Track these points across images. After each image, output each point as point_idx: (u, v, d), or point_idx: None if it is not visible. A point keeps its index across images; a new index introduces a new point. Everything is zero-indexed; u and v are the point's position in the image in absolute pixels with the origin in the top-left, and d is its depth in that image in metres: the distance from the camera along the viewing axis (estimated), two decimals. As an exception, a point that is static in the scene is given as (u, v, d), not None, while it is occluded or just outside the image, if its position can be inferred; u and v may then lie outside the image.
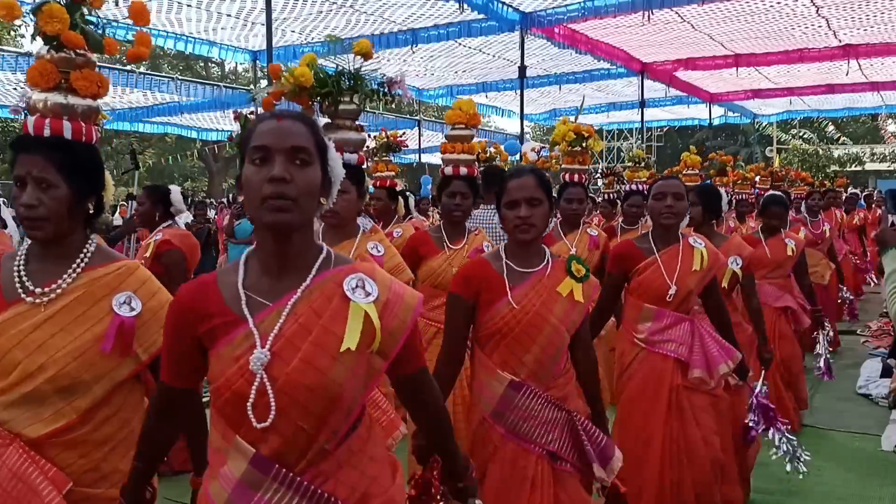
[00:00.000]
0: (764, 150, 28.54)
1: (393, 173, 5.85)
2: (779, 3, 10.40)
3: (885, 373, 6.45)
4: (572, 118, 5.13)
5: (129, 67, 11.41)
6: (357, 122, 3.10)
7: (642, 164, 7.16)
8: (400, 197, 6.18)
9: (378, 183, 5.71)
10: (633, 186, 6.40)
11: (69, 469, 1.77)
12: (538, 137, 27.44)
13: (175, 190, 4.24)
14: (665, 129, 26.09)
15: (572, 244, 4.64)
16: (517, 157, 8.05)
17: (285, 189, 1.44)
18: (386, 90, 3.13)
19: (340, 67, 3.00)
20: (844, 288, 7.90)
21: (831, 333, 6.11)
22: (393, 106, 3.64)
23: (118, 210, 13.47)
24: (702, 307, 3.44)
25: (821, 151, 26.58)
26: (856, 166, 27.56)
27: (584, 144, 4.84)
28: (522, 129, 12.97)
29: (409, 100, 3.31)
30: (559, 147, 4.95)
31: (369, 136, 6.36)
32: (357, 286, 1.52)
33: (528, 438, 2.46)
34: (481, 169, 5.18)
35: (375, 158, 5.94)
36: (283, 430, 1.47)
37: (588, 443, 2.48)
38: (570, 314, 2.49)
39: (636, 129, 21.30)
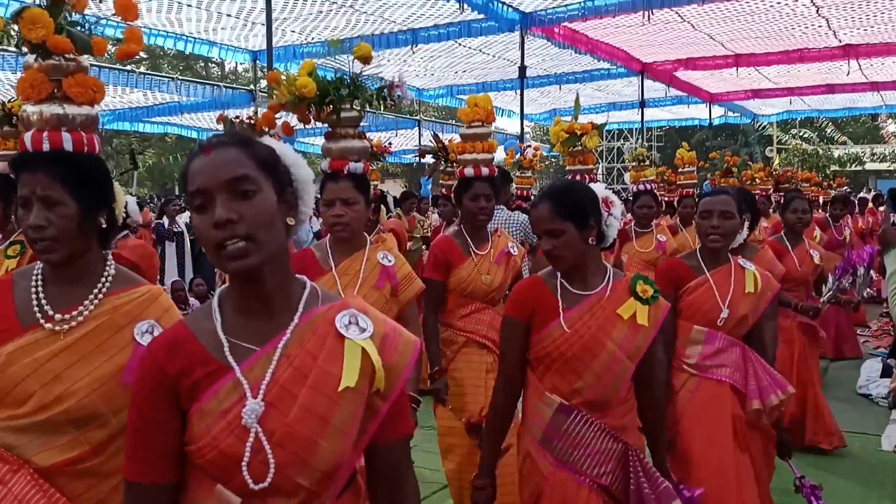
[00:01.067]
0: (764, 150, 28.52)
1: (376, 182, 5.71)
2: (779, 3, 10.40)
3: (885, 373, 6.46)
4: (568, 118, 5.03)
5: (128, 67, 11.40)
6: (359, 130, 3.01)
7: (647, 163, 6.83)
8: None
9: None
10: (641, 186, 6.17)
11: (78, 500, 1.67)
12: (538, 137, 27.44)
13: (131, 201, 4.19)
14: (665, 129, 26.11)
15: None
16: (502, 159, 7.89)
17: (235, 231, 1.26)
18: (386, 95, 3.04)
19: (340, 74, 2.93)
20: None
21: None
22: (392, 106, 3.45)
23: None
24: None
25: (821, 151, 26.57)
26: (856, 166, 27.54)
27: (578, 144, 4.73)
28: (522, 129, 12.98)
29: (409, 101, 3.22)
30: (556, 148, 4.85)
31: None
32: (350, 322, 1.37)
33: (578, 469, 2.26)
34: None
35: None
36: (282, 490, 1.30)
37: (647, 485, 2.23)
38: (633, 339, 2.27)
39: (636, 129, 21.31)
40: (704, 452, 2.91)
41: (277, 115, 3.07)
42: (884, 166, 27.60)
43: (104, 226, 1.80)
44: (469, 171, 3.62)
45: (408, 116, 19.25)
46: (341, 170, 2.83)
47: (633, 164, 6.89)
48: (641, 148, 7.29)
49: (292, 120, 3.22)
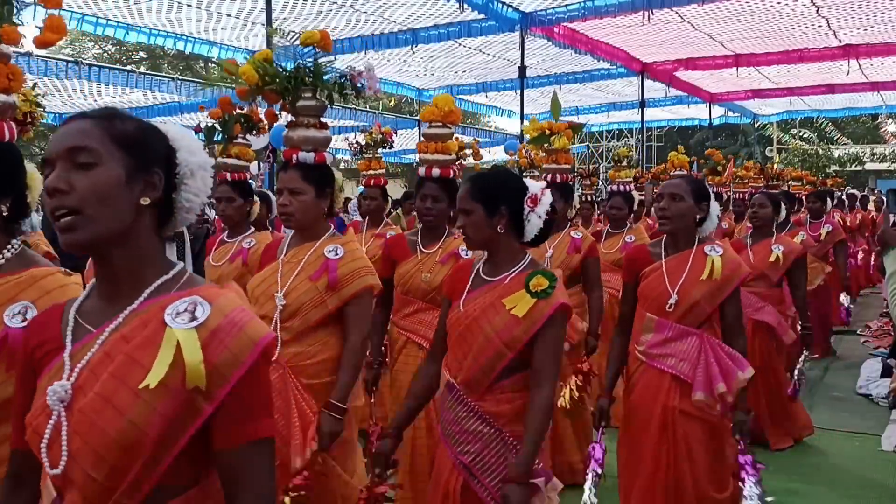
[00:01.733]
0: (764, 150, 28.53)
1: (383, 171, 5.63)
2: (779, 3, 10.39)
3: (885, 373, 6.45)
4: (569, 118, 4.98)
5: (128, 67, 11.41)
6: (321, 120, 2.95)
7: (624, 163, 6.64)
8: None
9: (373, 182, 5.43)
10: (614, 187, 6.07)
11: None
12: (538, 137, 27.36)
13: None
14: (665, 129, 26.11)
15: (550, 246, 4.43)
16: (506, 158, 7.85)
17: (63, 201, 1.21)
18: (350, 83, 2.94)
19: (298, 62, 2.86)
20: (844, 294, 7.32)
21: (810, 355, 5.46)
22: (357, 96, 3.32)
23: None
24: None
25: (821, 151, 26.58)
26: (856, 166, 27.57)
27: (548, 144, 4.64)
28: (522, 129, 12.97)
29: (373, 93, 3.14)
30: (528, 147, 4.79)
31: (360, 132, 6.16)
32: (186, 310, 1.26)
33: (449, 444, 2.42)
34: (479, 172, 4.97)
35: (367, 155, 5.59)
36: (75, 479, 1.23)
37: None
38: (511, 329, 2.31)
39: (636, 129, 21.30)
40: (633, 439, 3.13)
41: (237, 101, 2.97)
42: (884, 166, 27.62)
43: (5, 213, 1.79)
44: (422, 171, 3.63)
45: (408, 116, 19.25)
46: (290, 159, 2.83)
47: (611, 164, 6.74)
48: (623, 149, 7.11)
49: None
